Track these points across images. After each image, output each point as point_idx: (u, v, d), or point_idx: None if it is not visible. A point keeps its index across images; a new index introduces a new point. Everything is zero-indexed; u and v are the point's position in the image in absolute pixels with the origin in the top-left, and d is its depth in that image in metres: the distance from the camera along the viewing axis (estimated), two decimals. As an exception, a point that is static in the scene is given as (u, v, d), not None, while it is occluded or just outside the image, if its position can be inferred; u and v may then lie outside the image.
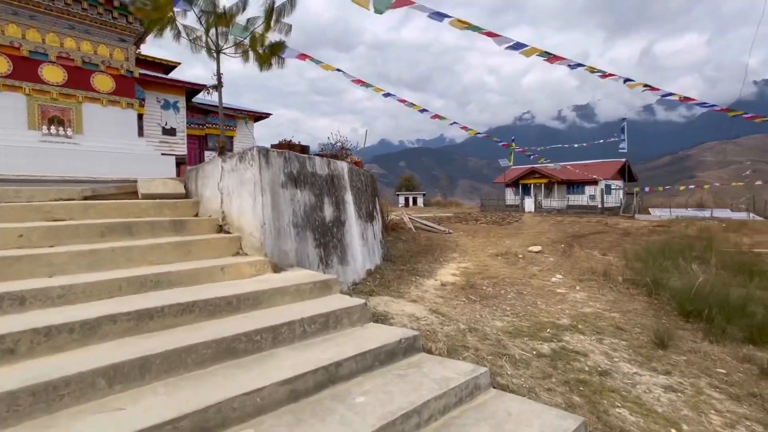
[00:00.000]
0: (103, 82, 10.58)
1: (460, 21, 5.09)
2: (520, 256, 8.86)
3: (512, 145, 26.79)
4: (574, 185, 29.70)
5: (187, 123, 19.59)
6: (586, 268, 7.51)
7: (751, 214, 20.97)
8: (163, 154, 12.96)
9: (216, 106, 22.00)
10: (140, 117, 15.44)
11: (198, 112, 21.12)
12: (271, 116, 24.80)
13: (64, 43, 9.97)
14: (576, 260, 8.52)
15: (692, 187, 28.53)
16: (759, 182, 23.18)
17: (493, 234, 14.91)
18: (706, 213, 21.05)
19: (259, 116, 24.27)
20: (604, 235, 13.85)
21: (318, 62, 7.77)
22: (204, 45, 5.15)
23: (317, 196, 4.70)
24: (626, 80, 7.31)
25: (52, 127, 9.67)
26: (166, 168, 10.88)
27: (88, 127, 10.36)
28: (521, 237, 13.42)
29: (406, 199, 46.57)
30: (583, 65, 6.62)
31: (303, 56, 7.01)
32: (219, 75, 4.83)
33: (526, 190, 31.82)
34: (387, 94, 9.15)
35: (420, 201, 46.80)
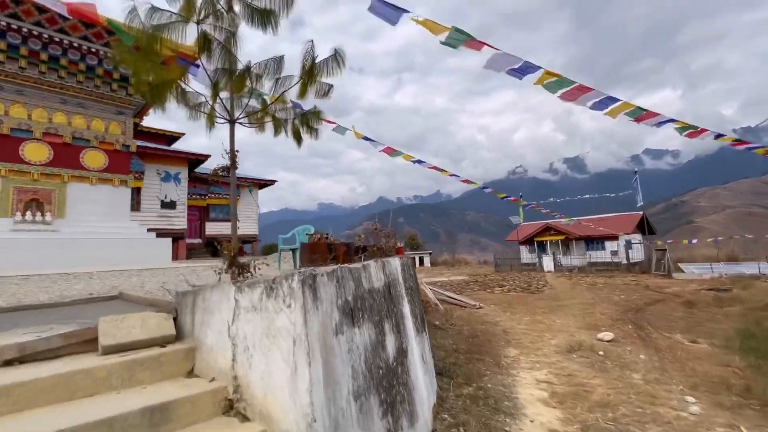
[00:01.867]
0: (94, 158, 9.44)
1: (549, 73, 3.95)
2: (600, 352, 7.06)
3: (521, 201, 25.60)
4: (594, 241, 28.22)
5: (188, 193, 18.48)
6: (701, 375, 5.74)
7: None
8: (160, 230, 11.52)
9: (221, 175, 21.11)
10: (137, 191, 14.24)
11: (199, 182, 20.15)
12: (276, 182, 23.90)
13: (53, 119, 8.96)
14: (673, 356, 6.73)
15: (721, 238, 27.06)
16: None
17: (532, 307, 13.04)
18: (751, 269, 19.32)
19: (264, 183, 23.35)
20: (663, 306, 12.03)
21: (343, 130, 6.62)
22: (207, 113, 3.86)
23: (377, 324, 3.10)
24: (717, 135, 6.08)
25: (28, 212, 8.30)
26: (160, 251, 9.37)
27: (73, 210, 9.00)
28: (567, 312, 11.61)
29: (413, 260, 44.65)
30: (674, 120, 5.41)
31: (331, 123, 5.85)
32: (233, 151, 3.48)
33: (542, 248, 30.25)
34: (418, 161, 7.98)
35: (427, 261, 44.87)
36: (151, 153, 15.67)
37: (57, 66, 8.77)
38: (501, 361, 6.71)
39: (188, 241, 17.91)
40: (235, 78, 3.20)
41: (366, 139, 6.57)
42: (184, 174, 17.40)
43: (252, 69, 3.29)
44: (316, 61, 3.21)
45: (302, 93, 3.41)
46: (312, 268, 2.42)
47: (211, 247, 22.32)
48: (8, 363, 2.46)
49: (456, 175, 8.62)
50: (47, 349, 2.59)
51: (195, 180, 19.43)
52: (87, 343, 2.76)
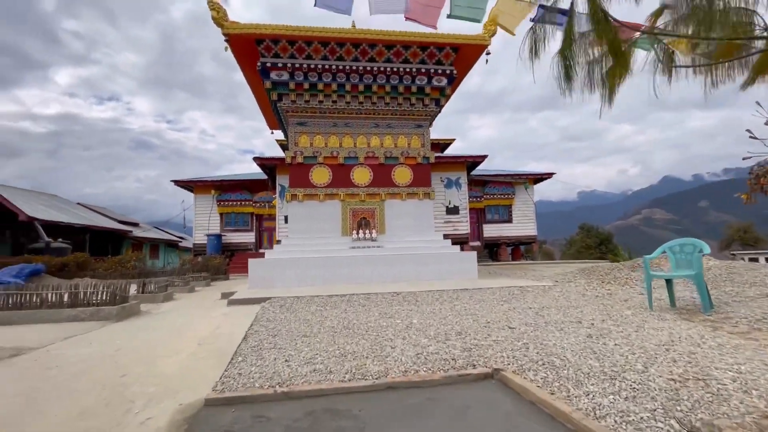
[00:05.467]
0: (402, 174, 9.80)
1: None
2: None
3: None
4: None
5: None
6: None
7: None
8: (447, 237, 11.03)
9: (495, 175, 20.19)
10: (427, 200, 14.63)
11: (475, 184, 19.92)
12: (554, 175, 20.83)
13: (370, 143, 9.83)
14: None
15: None
16: None
17: None
18: None
19: (539, 177, 20.83)
20: None
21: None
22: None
23: None
24: None
25: (360, 230, 9.29)
26: (465, 265, 8.68)
27: (390, 226, 9.56)
28: None
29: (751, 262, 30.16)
30: None
31: None
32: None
33: None
34: None
35: (790, 266, 29.23)
36: (435, 161, 16.12)
37: (370, 93, 9.52)
38: None
39: (470, 244, 17.69)
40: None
41: None
42: (463, 178, 17.30)
43: None
44: None
45: None
46: None
47: (489, 250, 21.77)
48: None
49: None
50: None
51: (470, 183, 19.22)
52: None
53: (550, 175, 20.86)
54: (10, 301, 5.63)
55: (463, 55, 9.63)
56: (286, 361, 3.43)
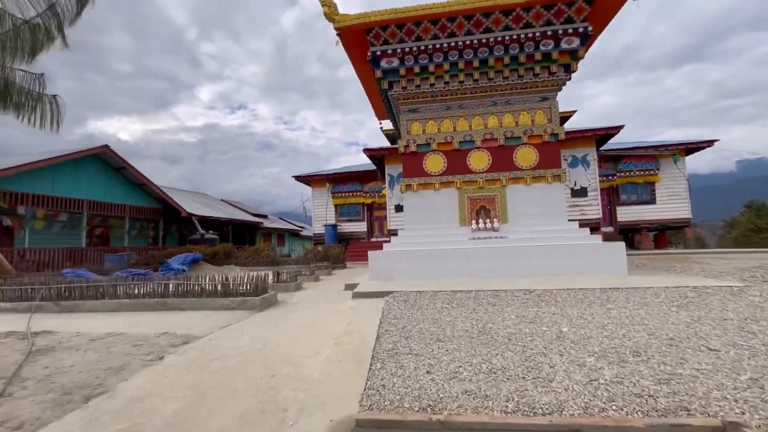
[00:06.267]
0: (525, 156, 8.75)
1: None
2: None
3: None
4: None
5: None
6: None
7: None
8: (571, 220, 9.53)
9: (633, 148, 17.14)
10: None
11: (605, 160, 17.17)
12: (717, 142, 16.66)
13: (488, 123, 8.96)
14: None
15: None
16: None
17: None
18: None
19: (693, 147, 16.93)
20: None
21: None
22: None
23: None
24: None
25: (480, 220, 8.60)
26: (609, 259, 7.34)
27: (512, 214, 8.67)
28: None
29: None
30: None
31: None
32: None
33: None
34: None
35: None
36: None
37: (486, 68, 8.65)
38: None
39: (602, 230, 15.38)
40: None
41: None
42: (592, 155, 15.02)
43: None
44: None
45: None
46: None
47: (624, 236, 18.72)
48: None
49: None
50: None
51: (600, 159, 16.63)
52: None
53: (710, 143, 16.80)
54: (179, 289, 6.56)
55: (599, 6, 8.03)
56: (428, 372, 3.12)
